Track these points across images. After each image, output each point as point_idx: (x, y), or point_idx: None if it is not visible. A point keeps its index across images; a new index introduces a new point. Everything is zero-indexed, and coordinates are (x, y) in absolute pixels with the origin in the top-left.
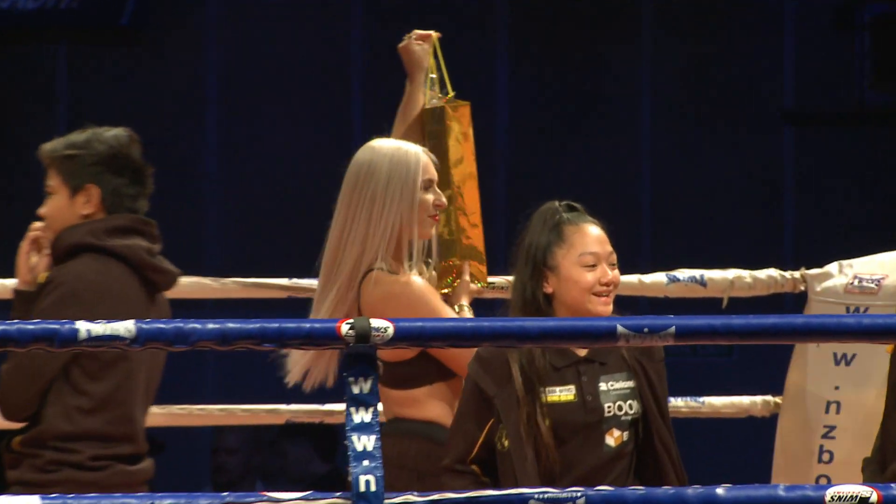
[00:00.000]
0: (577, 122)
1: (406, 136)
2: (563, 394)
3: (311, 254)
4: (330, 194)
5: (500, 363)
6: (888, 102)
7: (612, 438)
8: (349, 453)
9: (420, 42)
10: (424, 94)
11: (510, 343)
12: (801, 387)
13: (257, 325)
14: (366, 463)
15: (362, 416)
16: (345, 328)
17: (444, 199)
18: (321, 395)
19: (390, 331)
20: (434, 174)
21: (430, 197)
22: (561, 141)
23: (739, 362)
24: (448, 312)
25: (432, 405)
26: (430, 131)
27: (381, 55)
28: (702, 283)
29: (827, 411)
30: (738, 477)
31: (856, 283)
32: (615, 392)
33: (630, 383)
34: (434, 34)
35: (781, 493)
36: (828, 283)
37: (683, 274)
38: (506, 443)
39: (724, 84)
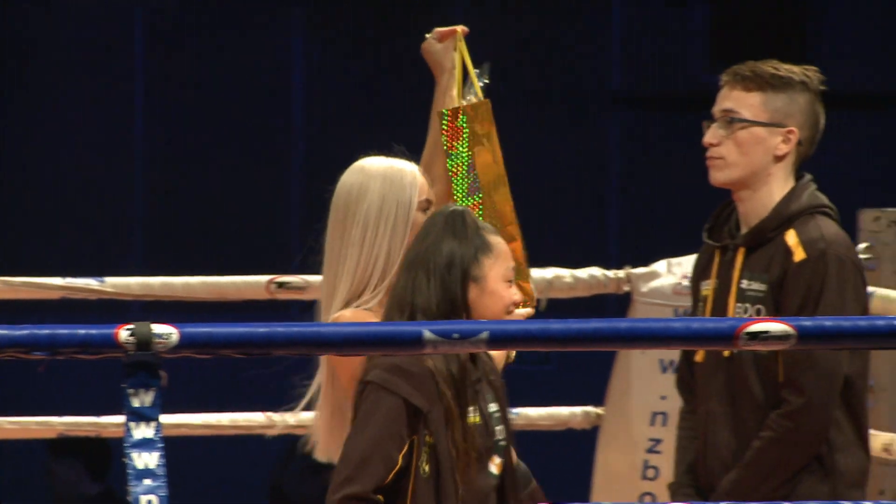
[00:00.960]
0: (378, 106)
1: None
2: (473, 414)
3: (87, 251)
4: (101, 186)
5: (426, 376)
6: None
7: (495, 465)
8: (129, 472)
9: (442, 40)
10: (456, 97)
11: (307, 351)
12: (625, 397)
13: (26, 332)
14: (147, 482)
15: (143, 431)
16: (124, 334)
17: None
18: (97, 406)
19: (174, 337)
20: (431, 194)
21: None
22: (359, 126)
23: (557, 370)
24: None
25: None
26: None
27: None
28: None
29: (652, 423)
30: (555, 494)
31: (685, 283)
32: (495, 415)
33: (496, 405)
34: (459, 29)
35: None
36: (654, 284)
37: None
38: (426, 467)
39: (547, 65)
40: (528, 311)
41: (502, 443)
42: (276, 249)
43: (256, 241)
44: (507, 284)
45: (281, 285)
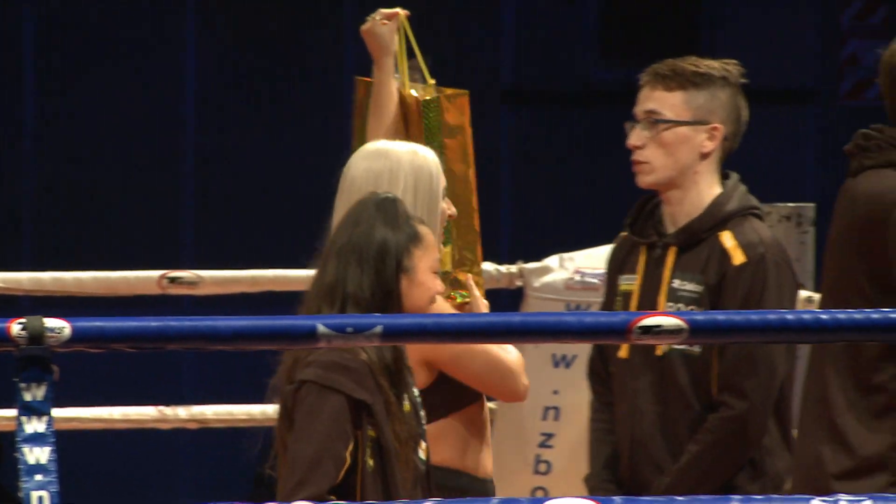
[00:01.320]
0: (271, 102)
1: (389, 135)
2: (406, 402)
3: None
4: None
5: (363, 369)
6: (616, 80)
7: (422, 450)
8: (20, 467)
9: (385, 22)
10: (398, 80)
11: (200, 345)
12: None
13: None
14: (38, 477)
15: (35, 425)
16: (16, 328)
17: (453, 208)
18: None
19: (66, 331)
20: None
21: (444, 206)
22: (253, 122)
23: None
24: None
25: (442, 446)
26: (428, 126)
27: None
28: None
29: (544, 418)
30: None
31: (577, 278)
32: (418, 399)
33: (416, 389)
34: (402, 12)
35: None
36: (547, 279)
37: None
38: (371, 461)
39: (437, 59)
40: (485, 303)
41: (424, 427)
42: (168, 244)
43: (148, 236)
44: (434, 276)
45: (173, 280)
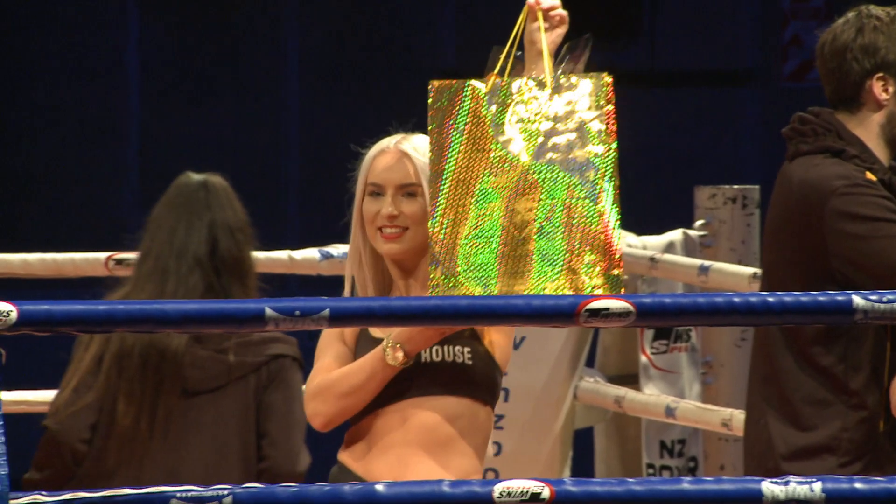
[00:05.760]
0: (215, 84)
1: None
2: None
3: None
4: None
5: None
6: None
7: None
8: None
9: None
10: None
11: (148, 328)
12: None
13: None
14: None
15: None
16: None
17: (388, 210)
18: None
19: (13, 315)
20: (380, 179)
21: (372, 205)
22: (197, 104)
23: None
24: (315, 365)
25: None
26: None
27: None
28: None
29: None
30: None
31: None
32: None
33: None
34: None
35: (446, 489)
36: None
37: (338, 250)
38: None
39: (378, 45)
40: None
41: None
42: (114, 226)
43: (94, 217)
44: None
45: (119, 262)
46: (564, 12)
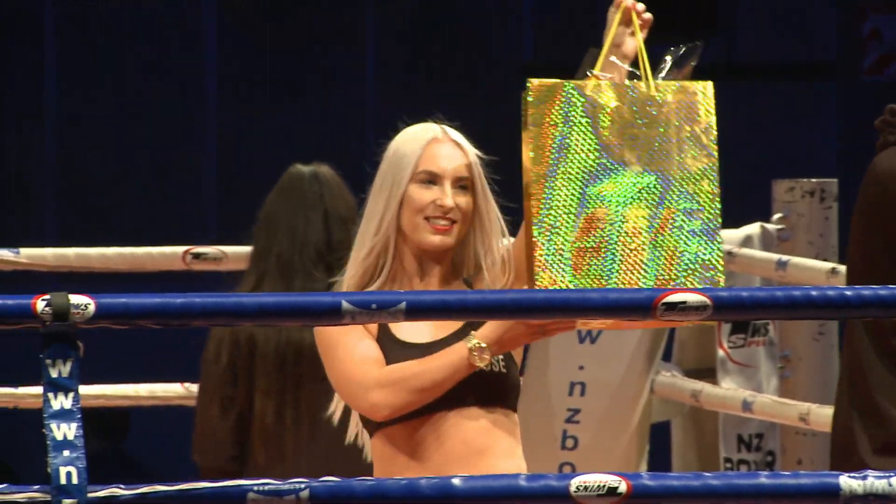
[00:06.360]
0: (292, 82)
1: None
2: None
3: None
4: None
5: None
6: None
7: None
8: (48, 443)
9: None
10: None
11: (226, 321)
12: (542, 367)
13: None
14: (66, 453)
15: (62, 401)
16: (41, 305)
17: (448, 201)
18: (14, 377)
19: (91, 308)
20: (438, 168)
21: (424, 193)
22: (276, 102)
23: None
24: (350, 354)
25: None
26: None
27: None
28: None
29: (571, 393)
30: None
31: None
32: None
33: None
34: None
35: (522, 483)
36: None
37: None
38: None
39: (454, 37)
40: None
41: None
42: (193, 220)
43: (172, 212)
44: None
45: (197, 256)
46: (650, 15)
